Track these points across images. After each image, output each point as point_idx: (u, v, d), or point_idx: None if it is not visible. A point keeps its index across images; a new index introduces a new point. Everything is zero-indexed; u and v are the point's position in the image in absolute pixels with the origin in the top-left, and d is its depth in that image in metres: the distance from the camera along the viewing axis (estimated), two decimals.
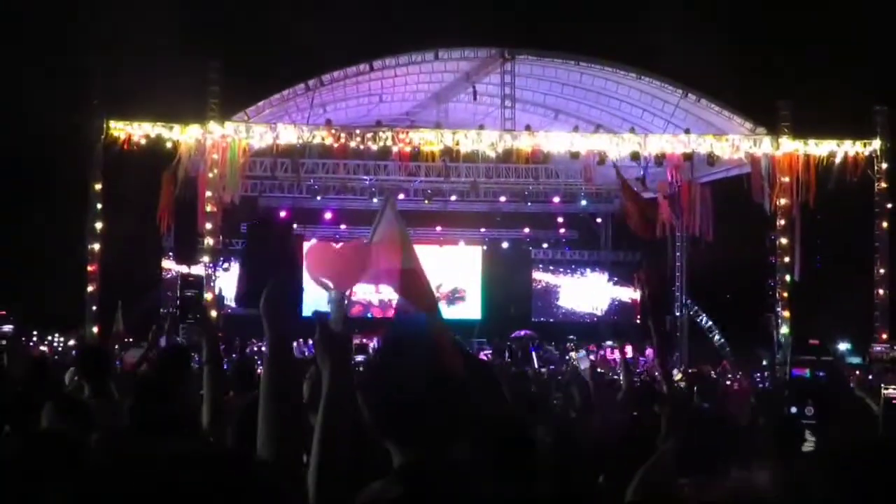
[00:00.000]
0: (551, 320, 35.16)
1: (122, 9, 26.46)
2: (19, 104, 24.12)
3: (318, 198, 30.44)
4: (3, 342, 16.32)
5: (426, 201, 31.39)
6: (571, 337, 31.34)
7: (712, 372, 22.06)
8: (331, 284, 3.31)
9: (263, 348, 2.85)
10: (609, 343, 31.47)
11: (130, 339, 16.06)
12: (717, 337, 31.51)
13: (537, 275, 35.83)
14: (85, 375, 6.50)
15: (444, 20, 25.43)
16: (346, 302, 3.41)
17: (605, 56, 26.45)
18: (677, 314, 32.43)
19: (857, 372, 19.04)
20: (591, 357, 25.04)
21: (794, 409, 4.48)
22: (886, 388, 10.52)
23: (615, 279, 35.85)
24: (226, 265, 27.01)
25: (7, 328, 17.56)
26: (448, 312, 34.53)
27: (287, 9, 30.67)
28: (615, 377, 17.75)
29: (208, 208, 24.01)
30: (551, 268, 35.97)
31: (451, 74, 27.25)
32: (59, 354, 21.55)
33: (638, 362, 28.04)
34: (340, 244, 3.84)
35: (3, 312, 18.27)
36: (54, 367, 10.58)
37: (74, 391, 6.76)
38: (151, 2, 26.25)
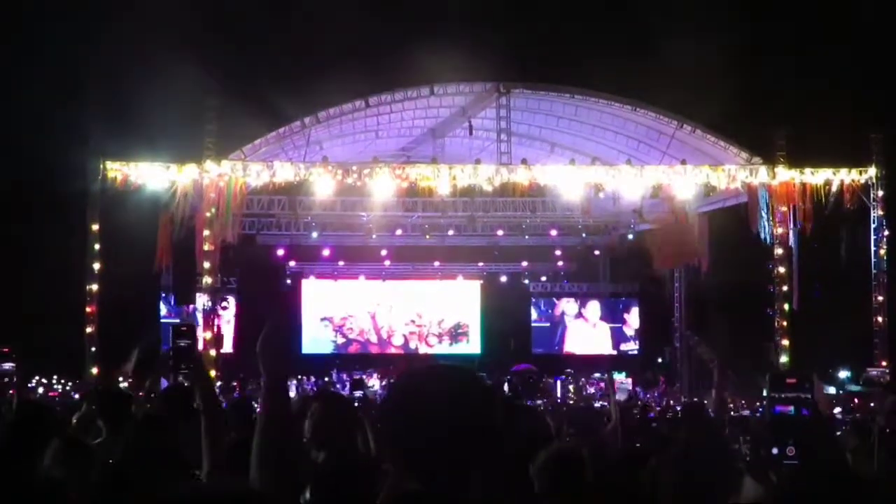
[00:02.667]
0: (552, 353, 35.03)
1: (119, 49, 26.60)
2: (17, 146, 24.19)
3: (316, 234, 30.40)
4: (6, 380, 16.16)
5: (426, 236, 31.41)
6: (569, 370, 31.21)
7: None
8: None
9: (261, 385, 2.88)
10: (598, 375, 31.36)
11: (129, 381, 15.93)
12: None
13: (536, 309, 35.80)
14: (103, 416, 6.50)
15: (439, 55, 25.51)
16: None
17: (600, 89, 26.51)
18: (676, 345, 32.38)
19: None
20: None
21: (775, 450, 4.32)
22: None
23: (615, 312, 35.81)
24: (224, 303, 26.90)
25: (8, 366, 17.33)
26: (450, 349, 34.53)
27: (283, 47, 30.80)
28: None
29: (206, 247, 24.01)
30: (552, 300, 35.93)
31: (446, 109, 27.33)
32: (62, 396, 21.47)
33: (638, 395, 28.04)
34: None
35: (7, 349, 18.10)
36: (60, 410, 10.53)
37: (76, 431, 6.74)
38: (147, 42, 26.39)
